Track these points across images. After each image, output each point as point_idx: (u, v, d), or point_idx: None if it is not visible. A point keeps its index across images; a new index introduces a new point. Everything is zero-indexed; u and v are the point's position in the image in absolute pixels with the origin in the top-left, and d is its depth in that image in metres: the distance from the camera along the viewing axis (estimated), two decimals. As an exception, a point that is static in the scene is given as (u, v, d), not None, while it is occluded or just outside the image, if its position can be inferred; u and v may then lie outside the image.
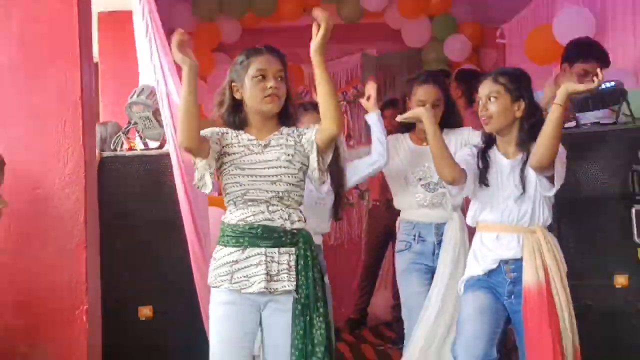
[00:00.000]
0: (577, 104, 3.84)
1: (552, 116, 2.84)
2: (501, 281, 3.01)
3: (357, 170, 3.64)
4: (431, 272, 3.71)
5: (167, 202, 3.41)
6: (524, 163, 2.97)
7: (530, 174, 2.99)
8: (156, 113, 3.57)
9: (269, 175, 2.69)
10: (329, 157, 2.80)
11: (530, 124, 2.95)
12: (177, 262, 3.39)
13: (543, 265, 2.93)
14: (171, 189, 3.39)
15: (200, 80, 3.46)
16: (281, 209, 2.71)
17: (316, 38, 2.57)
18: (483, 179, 3.01)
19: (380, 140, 3.58)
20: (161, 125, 3.57)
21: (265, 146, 2.73)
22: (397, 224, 3.90)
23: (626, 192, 3.57)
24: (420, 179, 3.64)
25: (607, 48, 4.32)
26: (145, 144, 3.70)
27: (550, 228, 3.88)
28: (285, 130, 2.78)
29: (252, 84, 2.68)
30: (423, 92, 3.59)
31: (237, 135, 2.73)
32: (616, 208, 3.63)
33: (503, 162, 3.04)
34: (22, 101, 2.34)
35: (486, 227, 3.07)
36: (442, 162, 3.03)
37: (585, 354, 3.34)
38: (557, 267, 2.95)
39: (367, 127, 3.92)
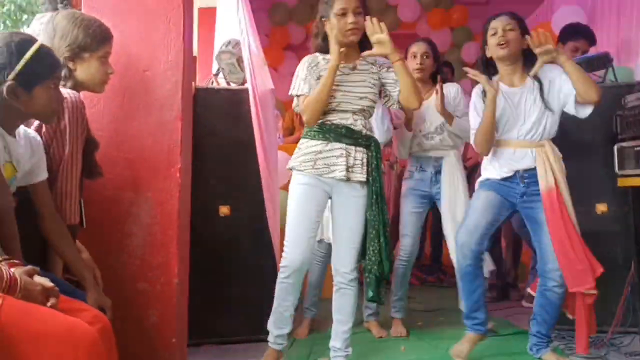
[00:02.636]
0: (571, 68, 3.67)
1: (570, 66, 2.79)
2: (514, 185, 2.87)
3: None
4: (428, 197, 3.60)
5: (244, 126, 3.35)
6: (540, 89, 2.84)
7: (551, 97, 2.85)
8: (239, 60, 3.51)
9: (357, 92, 2.69)
10: None
11: (531, 57, 2.82)
12: (251, 172, 3.33)
13: (553, 174, 2.78)
14: (247, 116, 3.33)
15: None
16: (361, 118, 2.70)
17: (384, 44, 2.59)
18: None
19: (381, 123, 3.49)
20: (242, 70, 3.51)
21: (353, 68, 2.74)
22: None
23: (610, 134, 3.39)
24: (420, 131, 3.53)
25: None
26: (228, 85, 3.64)
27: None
28: (368, 59, 2.73)
29: (337, 20, 2.65)
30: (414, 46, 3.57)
31: (328, 62, 2.67)
32: (601, 148, 3.47)
33: (512, 90, 2.89)
34: (137, 3, 2.28)
35: (504, 144, 2.90)
36: (487, 135, 2.86)
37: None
38: (562, 173, 2.82)
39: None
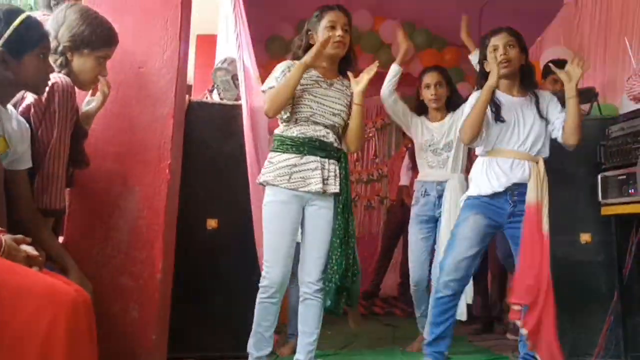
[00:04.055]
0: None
1: (574, 105, 2.83)
2: (503, 204, 2.86)
3: None
4: (433, 221, 3.66)
5: (235, 141, 3.38)
6: (537, 102, 2.90)
7: (548, 113, 2.91)
8: (234, 77, 3.57)
9: (333, 108, 2.75)
10: None
11: (528, 73, 2.91)
12: (240, 186, 3.34)
13: (542, 190, 2.79)
14: (239, 131, 3.37)
15: None
16: (332, 132, 2.73)
17: (361, 85, 2.70)
18: (498, 117, 2.88)
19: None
20: (237, 87, 3.56)
21: (331, 85, 2.80)
22: (414, 186, 3.88)
23: (594, 164, 3.44)
24: (429, 146, 3.61)
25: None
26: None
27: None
28: (345, 81, 2.81)
29: (325, 32, 2.72)
30: (428, 76, 3.65)
31: (307, 72, 2.71)
32: (586, 178, 3.51)
33: (512, 100, 2.92)
34: (136, 1, 2.33)
35: (501, 153, 2.89)
36: (474, 122, 2.85)
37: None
38: (547, 193, 2.83)
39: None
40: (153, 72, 2.26)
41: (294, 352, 3.54)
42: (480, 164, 2.98)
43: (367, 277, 6.33)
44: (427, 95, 3.64)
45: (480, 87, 2.95)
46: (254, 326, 2.75)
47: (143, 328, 2.19)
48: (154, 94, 2.25)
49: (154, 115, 2.24)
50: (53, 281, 1.41)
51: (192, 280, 3.28)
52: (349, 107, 2.79)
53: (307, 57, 2.62)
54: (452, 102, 3.67)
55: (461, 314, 3.45)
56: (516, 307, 2.81)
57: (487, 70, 2.93)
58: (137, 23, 2.31)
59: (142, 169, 2.22)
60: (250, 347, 2.76)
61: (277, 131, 2.83)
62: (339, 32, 2.71)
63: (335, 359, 3.50)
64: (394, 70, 3.66)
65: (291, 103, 2.72)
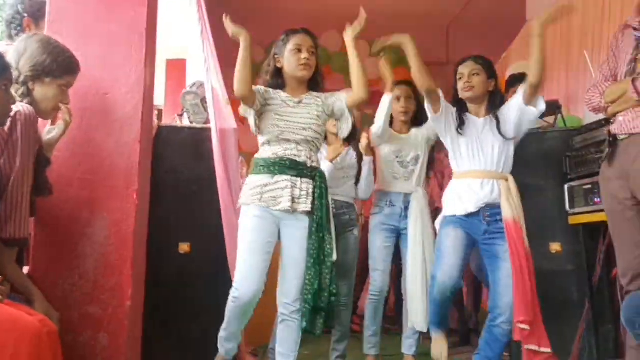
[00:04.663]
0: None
1: (537, 43, 2.76)
2: (477, 223, 2.91)
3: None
4: (396, 231, 3.65)
5: (206, 164, 3.35)
6: (497, 120, 2.97)
7: (506, 128, 2.96)
8: (203, 100, 3.56)
9: (301, 123, 2.76)
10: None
11: (496, 97, 3.00)
12: (212, 209, 3.30)
13: (515, 206, 2.85)
14: (210, 154, 3.34)
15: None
16: (305, 150, 2.73)
17: (354, 30, 2.78)
18: (459, 128, 2.99)
19: (368, 180, 3.65)
20: (206, 110, 3.56)
21: (299, 102, 2.82)
22: (372, 196, 3.84)
23: (561, 175, 3.48)
24: (397, 157, 3.63)
25: (545, 87, 4.34)
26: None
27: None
28: (314, 93, 2.84)
29: (291, 55, 2.76)
30: (398, 89, 3.66)
31: (276, 93, 2.79)
32: (553, 187, 3.56)
33: (477, 120, 3.02)
34: (101, 28, 2.32)
35: (470, 174, 2.96)
36: (419, 74, 2.91)
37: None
38: (521, 208, 2.89)
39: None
40: (119, 98, 2.24)
41: (270, 374, 3.53)
42: (453, 186, 3.06)
43: (344, 295, 6.32)
44: (397, 107, 3.66)
45: (455, 103, 3.08)
46: (224, 325, 2.77)
47: (113, 356, 2.14)
48: (120, 119, 2.23)
49: (121, 140, 2.22)
50: (15, 313, 1.38)
51: (165, 305, 3.23)
52: (322, 116, 2.82)
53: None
54: (417, 118, 3.69)
55: (417, 323, 3.46)
56: (523, 326, 2.80)
57: (460, 97, 3.06)
58: (102, 50, 2.29)
59: (109, 195, 2.19)
60: (221, 340, 2.80)
61: (255, 155, 2.86)
62: (304, 54, 2.75)
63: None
64: (388, 100, 3.53)
65: (260, 126, 2.77)
